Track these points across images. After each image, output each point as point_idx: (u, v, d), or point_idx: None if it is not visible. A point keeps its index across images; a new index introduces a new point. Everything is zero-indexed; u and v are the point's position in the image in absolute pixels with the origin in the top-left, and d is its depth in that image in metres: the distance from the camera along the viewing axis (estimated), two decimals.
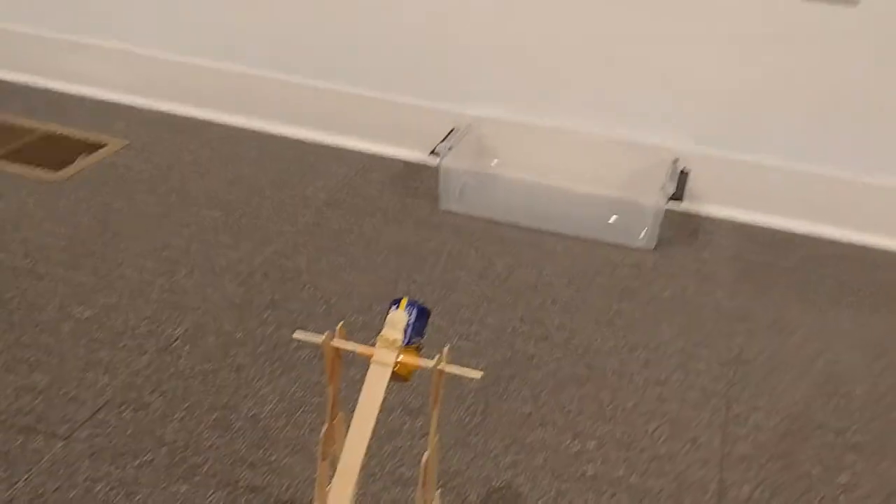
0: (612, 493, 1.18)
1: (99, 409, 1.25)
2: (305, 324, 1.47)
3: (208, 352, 1.39)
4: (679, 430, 1.30)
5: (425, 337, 0.90)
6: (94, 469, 1.14)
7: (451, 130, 1.98)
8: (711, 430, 1.31)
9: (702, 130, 1.94)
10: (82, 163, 1.98)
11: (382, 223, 1.82)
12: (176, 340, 1.41)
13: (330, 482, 0.90)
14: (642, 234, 1.81)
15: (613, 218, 1.83)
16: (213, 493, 1.12)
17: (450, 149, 1.86)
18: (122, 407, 1.25)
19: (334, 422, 0.94)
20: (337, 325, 1.38)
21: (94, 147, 2.06)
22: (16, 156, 1.99)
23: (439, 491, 0.98)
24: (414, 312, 0.88)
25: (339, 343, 0.91)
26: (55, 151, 2.02)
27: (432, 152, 1.86)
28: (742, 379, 1.43)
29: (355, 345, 0.91)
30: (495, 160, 2.07)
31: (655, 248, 1.82)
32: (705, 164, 1.95)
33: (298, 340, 1.42)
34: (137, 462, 1.16)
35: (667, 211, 1.98)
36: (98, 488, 1.11)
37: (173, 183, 1.92)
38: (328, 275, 1.62)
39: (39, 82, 2.36)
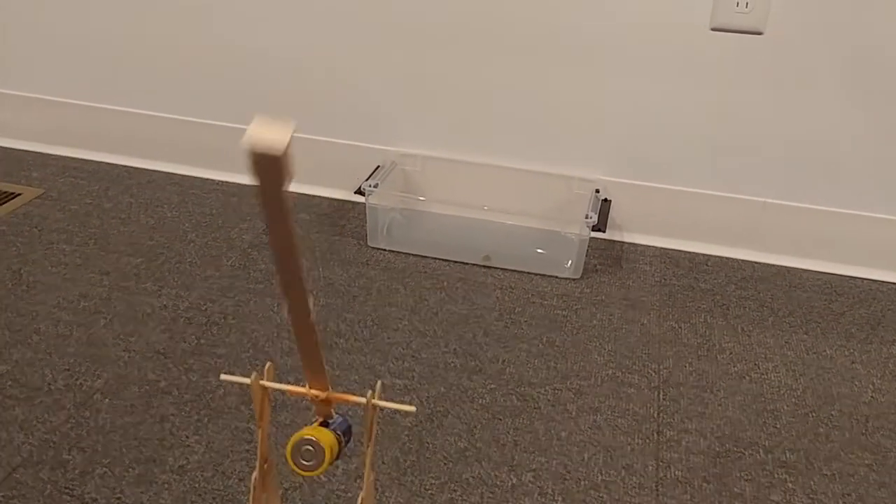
0: None
1: (14, 470, 1.19)
2: (233, 368, 1.44)
3: (130, 403, 1.35)
4: (614, 458, 1.30)
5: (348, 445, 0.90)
6: None
7: (377, 168, 1.98)
8: (645, 455, 1.32)
9: (620, 161, 1.98)
10: None
11: (310, 263, 1.80)
12: (95, 393, 1.36)
13: None
14: (568, 264, 1.83)
15: (539, 250, 1.84)
16: None
17: (375, 186, 1.85)
18: (39, 466, 1.20)
19: (265, 467, 0.92)
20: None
21: (6, 197, 2.00)
22: None
23: None
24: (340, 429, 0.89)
25: (267, 383, 0.89)
26: None
27: (357, 191, 1.85)
28: (672, 402, 1.44)
29: (284, 385, 0.89)
30: (421, 196, 2.07)
31: (582, 277, 1.83)
32: (625, 192, 1.99)
33: (225, 385, 1.39)
34: None
35: (591, 240, 2.00)
36: None
37: (92, 230, 1.87)
38: (255, 318, 1.59)
39: None
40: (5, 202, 1.97)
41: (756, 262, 1.96)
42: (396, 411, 1.36)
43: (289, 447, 0.87)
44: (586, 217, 1.79)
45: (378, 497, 1.19)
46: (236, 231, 1.91)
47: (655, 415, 1.41)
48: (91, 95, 2.18)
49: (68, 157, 2.21)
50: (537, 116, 1.97)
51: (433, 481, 1.23)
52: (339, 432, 0.90)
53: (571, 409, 1.41)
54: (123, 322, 1.55)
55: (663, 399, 1.45)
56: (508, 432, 1.34)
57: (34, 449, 1.23)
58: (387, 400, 1.39)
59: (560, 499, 1.22)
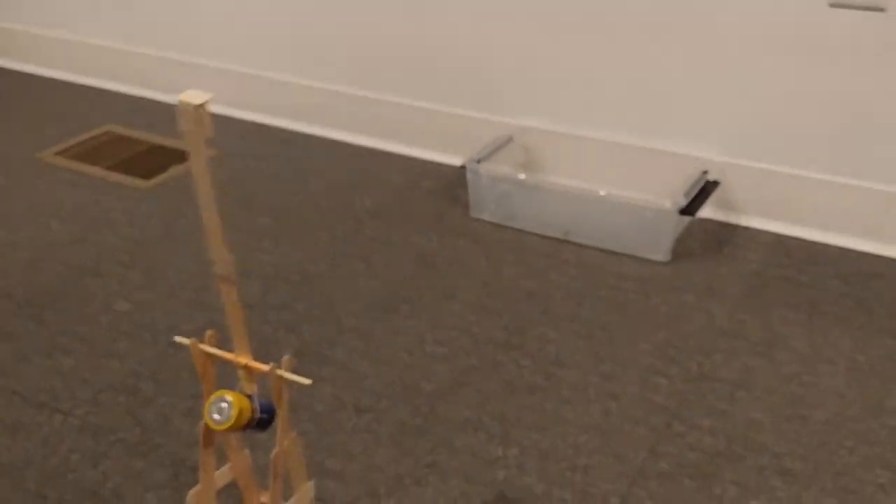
0: (512, 498, 1.25)
1: (99, 392, 1.48)
2: (301, 324, 1.64)
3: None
4: (608, 444, 1.35)
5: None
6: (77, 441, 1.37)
7: (498, 140, 2.07)
8: (641, 446, 1.34)
9: (738, 141, 1.91)
10: (172, 172, 2.26)
11: (411, 232, 1.95)
12: (180, 334, 1.62)
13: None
14: (657, 246, 1.82)
15: (628, 228, 1.85)
16: (162, 469, 1.31)
17: (478, 161, 1.95)
18: (118, 391, 1.48)
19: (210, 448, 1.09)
20: (315, 328, 1.54)
21: (187, 157, 2.34)
22: (121, 166, 2.30)
23: (311, 482, 1.11)
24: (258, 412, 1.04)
25: (205, 347, 1.07)
26: (154, 161, 2.32)
27: (462, 165, 1.97)
28: (699, 398, 1.44)
29: (218, 351, 1.06)
30: (529, 171, 2.13)
31: (672, 261, 1.82)
32: (743, 174, 1.92)
33: (280, 339, 1.59)
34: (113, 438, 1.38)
35: (700, 221, 1.96)
36: (74, 458, 1.34)
37: (243, 192, 2.15)
38: (339, 281, 1.78)
39: (157, 96, 2.69)
40: (185, 161, 2.31)
41: (876, 256, 1.82)
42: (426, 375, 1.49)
43: (208, 401, 1.04)
44: (674, 201, 1.78)
45: (369, 452, 1.34)
46: (359, 197, 2.11)
47: (674, 408, 1.42)
48: (268, 66, 2.47)
49: (247, 121, 2.52)
50: (655, 93, 1.96)
51: (425, 444, 1.35)
52: (256, 405, 1.05)
53: (591, 393, 1.46)
54: None
55: (691, 393, 1.45)
56: (518, 409, 1.43)
57: (120, 377, 1.51)
58: (359, 371, 1.52)
59: (535, 474, 1.29)
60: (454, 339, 1.60)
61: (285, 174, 2.23)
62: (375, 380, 1.49)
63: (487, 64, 2.13)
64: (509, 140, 2.10)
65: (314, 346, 1.58)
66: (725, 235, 1.92)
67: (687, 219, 1.89)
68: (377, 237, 1.94)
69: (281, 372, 1.01)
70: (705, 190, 1.86)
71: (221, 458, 1.12)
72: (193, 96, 0.94)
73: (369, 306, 1.69)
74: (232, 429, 1.01)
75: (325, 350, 1.57)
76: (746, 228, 1.95)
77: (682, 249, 1.86)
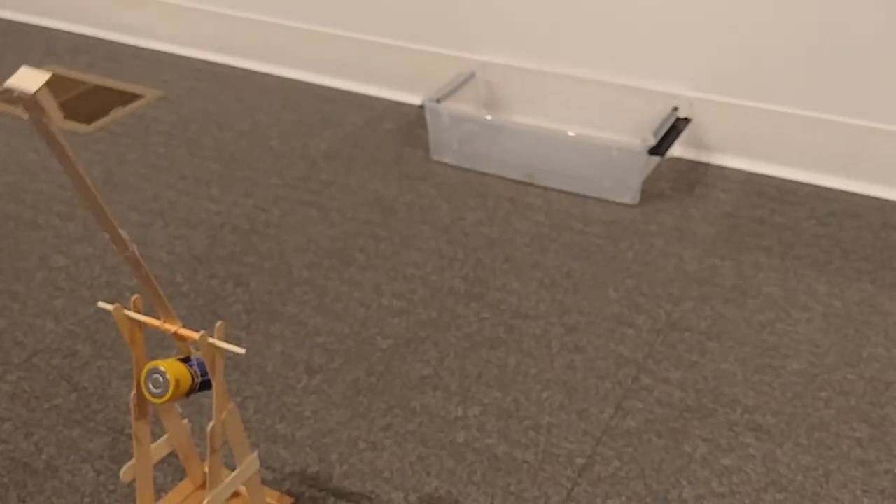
0: (472, 461, 1.19)
1: (34, 355, 1.38)
2: (250, 278, 1.55)
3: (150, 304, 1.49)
4: (572, 401, 1.28)
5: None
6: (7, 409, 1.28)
7: (456, 78, 1.96)
8: (607, 402, 1.28)
9: (709, 75, 1.82)
10: (115, 115, 2.13)
11: (369, 175, 1.85)
12: (126, 291, 1.52)
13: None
14: (625, 189, 1.74)
15: (595, 170, 1.76)
16: (99, 438, 1.23)
17: (437, 101, 1.85)
18: (53, 353, 1.39)
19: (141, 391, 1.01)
20: (286, 277, 1.45)
21: (131, 99, 2.21)
22: (61, 109, 2.16)
23: (255, 454, 1.03)
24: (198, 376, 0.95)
25: (130, 314, 0.98)
26: (96, 103, 2.19)
27: (420, 105, 1.86)
28: (667, 348, 1.37)
29: (143, 317, 0.97)
30: (495, 108, 2.03)
31: (641, 203, 1.74)
32: (714, 110, 1.83)
33: (230, 296, 1.50)
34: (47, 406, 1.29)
35: (671, 160, 1.88)
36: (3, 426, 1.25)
37: (189, 135, 2.03)
38: (292, 229, 1.69)
39: (101, 34, 2.54)
40: (129, 103, 2.18)
41: (853, 194, 1.76)
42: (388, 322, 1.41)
43: (142, 374, 0.95)
44: (643, 140, 1.69)
45: (321, 415, 1.26)
46: (315, 140, 2.00)
47: (641, 360, 1.35)
48: (223, 3, 2.32)
49: (197, 60, 2.39)
50: (623, 26, 1.85)
51: (381, 405, 1.28)
52: (196, 368, 0.97)
53: (555, 346, 1.39)
54: (177, 224, 1.70)
55: (660, 344, 1.38)
56: (478, 364, 1.35)
57: (56, 338, 1.42)
58: (306, 331, 1.44)
59: (496, 435, 1.22)
60: (412, 290, 1.51)
61: (236, 116, 2.11)
62: (329, 336, 1.41)
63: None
64: (471, 76, 1.99)
65: (264, 301, 1.49)
66: (696, 175, 1.84)
67: (656, 159, 1.80)
68: (332, 182, 1.84)
69: (213, 340, 0.92)
70: (675, 128, 1.78)
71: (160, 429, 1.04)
72: (26, 79, 0.79)
73: (323, 256, 1.60)
74: (172, 399, 0.94)
75: (277, 305, 1.48)
76: (719, 167, 1.87)
77: (652, 190, 1.78)
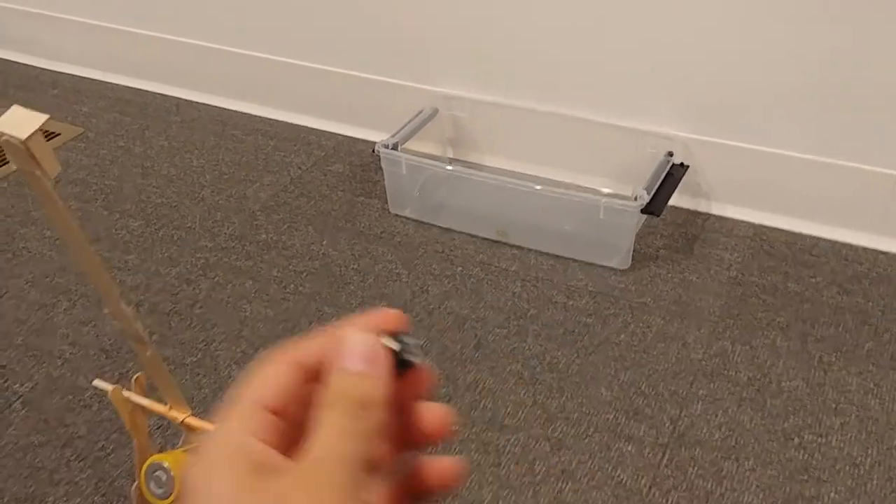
0: None
1: None
2: (176, 371, 1.28)
3: (44, 419, 1.22)
4: None
5: None
6: None
7: (418, 114, 1.68)
8: None
9: (708, 114, 1.57)
10: None
11: (317, 234, 1.59)
12: (16, 402, 1.25)
13: None
14: (615, 251, 1.49)
15: (579, 228, 1.51)
16: None
17: (392, 147, 1.58)
18: None
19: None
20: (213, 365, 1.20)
21: (47, 136, 1.91)
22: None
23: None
24: None
25: (131, 395, 0.78)
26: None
27: (373, 150, 1.59)
28: (676, 472, 1.12)
29: (145, 400, 0.78)
30: (455, 151, 1.77)
31: (633, 268, 1.49)
32: (714, 153, 1.59)
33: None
34: None
35: (666, 210, 1.63)
36: None
37: (108, 184, 1.75)
38: (223, 308, 1.42)
39: (14, 57, 2.24)
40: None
41: (879, 252, 1.52)
42: None
43: (143, 469, 0.74)
44: (635, 197, 1.44)
45: None
46: (253, 188, 1.72)
47: (646, 490, 1.10)
48: (152, 25, 2.02)
49: (124, 87, 2.10)
50: (609, 58, 1.59)
51: None
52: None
53: (539, 469, 1.13)
54: (86, 307, 1.43)
55: (666, 465, 1.14)
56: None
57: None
58: None
59: None
60: None
61: (163, 158, 1.83)
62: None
63: (410, 22, 1.73)
64: (435, 113, 1.72)
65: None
66: (695, 228, 1.60)
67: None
68: (273, 244, 1.57)
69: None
70: (672, 177, 1.52)
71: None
72: (16, 123, 0.62)
73: (258, 346, 1.34)
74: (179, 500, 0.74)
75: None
76: (720, 218, 1.62)
77: (644, 250, 1.53)
